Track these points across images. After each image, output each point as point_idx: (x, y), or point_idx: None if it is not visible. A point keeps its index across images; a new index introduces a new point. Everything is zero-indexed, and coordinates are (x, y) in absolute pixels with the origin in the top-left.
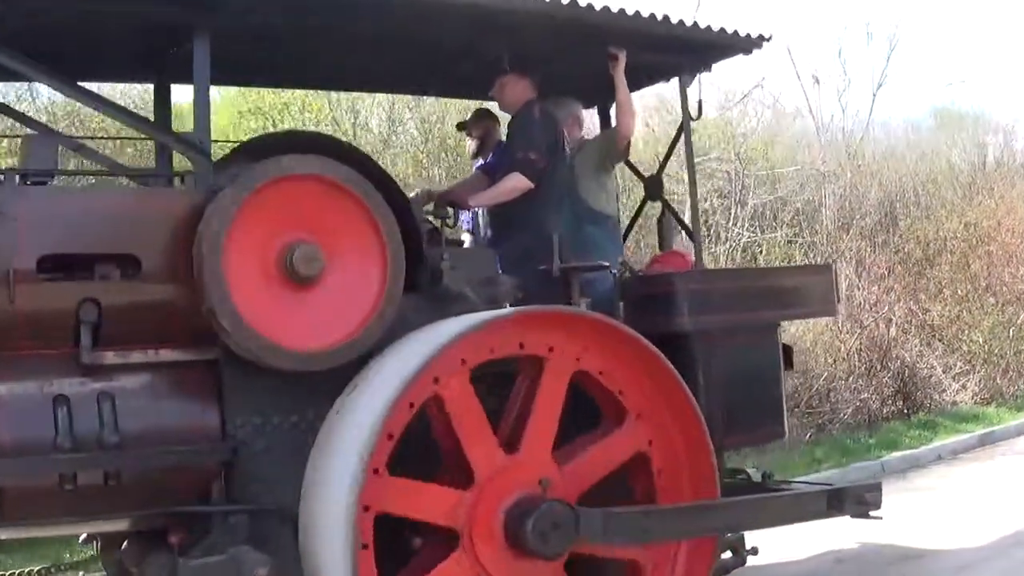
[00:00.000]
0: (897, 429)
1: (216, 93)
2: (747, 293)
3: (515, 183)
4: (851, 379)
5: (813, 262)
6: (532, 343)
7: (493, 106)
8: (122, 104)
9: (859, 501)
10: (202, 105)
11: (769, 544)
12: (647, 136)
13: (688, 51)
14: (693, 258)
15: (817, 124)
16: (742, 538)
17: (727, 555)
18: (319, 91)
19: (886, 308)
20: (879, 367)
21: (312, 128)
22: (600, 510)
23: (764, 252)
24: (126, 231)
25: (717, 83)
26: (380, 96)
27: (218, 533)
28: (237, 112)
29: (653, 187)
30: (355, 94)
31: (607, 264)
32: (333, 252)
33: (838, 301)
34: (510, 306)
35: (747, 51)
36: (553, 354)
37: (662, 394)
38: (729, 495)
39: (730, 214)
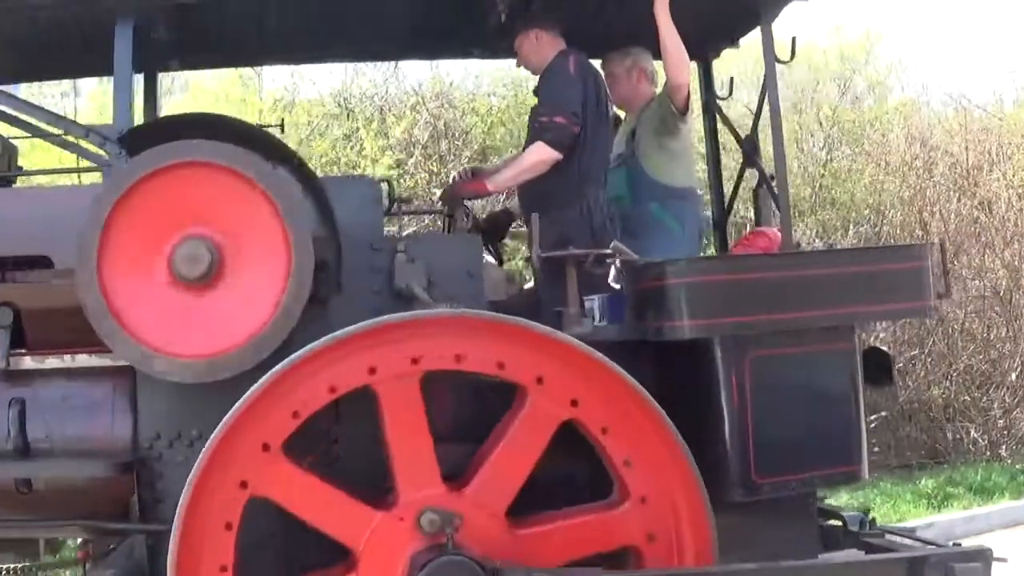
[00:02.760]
0: None
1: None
2: (794, 287)
3: (538, 155)
4: None
5: None
6: (515, 366)
7: None
8: None
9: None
10: (123, 94)
11: None
12: None
13: None
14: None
15: None
16: None
17: None
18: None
19: None
20: None
21: None
22: (524, 569)
23: None
24: (39, 231)
25: None
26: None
27: (119, 552)
28: None
29: (749, 150)
30: None
31: (608, 252)
32: (232, 248)
33: (941, 296)
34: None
35: None
36: (541, 388)
37: (655, 435)
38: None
39: None
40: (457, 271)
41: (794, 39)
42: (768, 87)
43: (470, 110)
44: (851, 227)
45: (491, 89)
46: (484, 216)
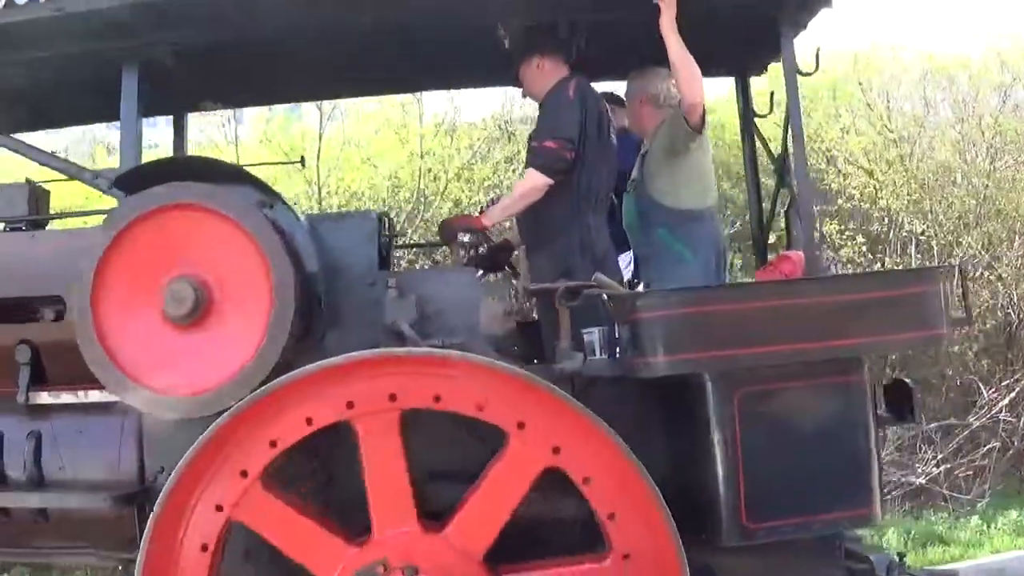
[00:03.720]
0: None
1: None
2: (784, 317)
3: (530, 182)
4: None
5: None
6: (364, 399)
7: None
8: None
9: None
10: (130, 138)
11: None
12: None
13: None
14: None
15: None
16: None
17: None
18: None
19: None
20: None
21: None
22: None
23: None
24: (54, 273)
25: None
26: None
27: None
28: None
29: (781, 169)
30: None
31: (591, 284)
32: (219, 287)
33: (959, 323)
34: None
35: None
36: (393, 403)
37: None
38: None
39: None
40: (451, 305)
41: (818, 50)
42: (791, 104)
43: None
44: (1016, 238)
45: None
46: (490, 247)
